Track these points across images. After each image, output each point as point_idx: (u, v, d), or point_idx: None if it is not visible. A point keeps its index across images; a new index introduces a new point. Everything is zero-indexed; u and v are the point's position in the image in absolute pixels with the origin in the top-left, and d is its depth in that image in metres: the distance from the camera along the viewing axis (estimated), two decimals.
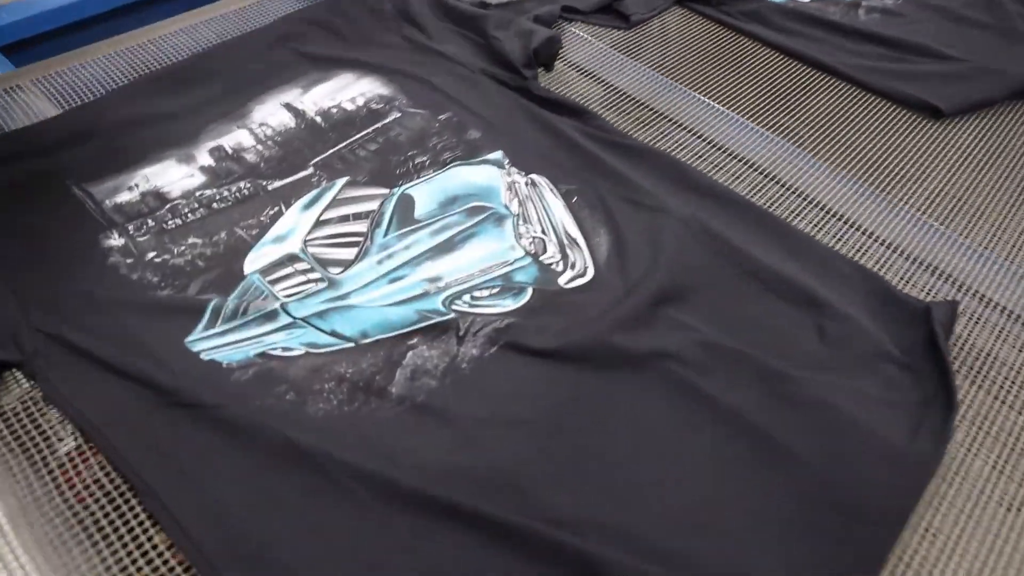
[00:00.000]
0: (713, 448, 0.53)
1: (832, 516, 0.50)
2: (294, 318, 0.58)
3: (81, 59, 0.83)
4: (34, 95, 0.79)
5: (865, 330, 0.62)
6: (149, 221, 0.65)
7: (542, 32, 0.84)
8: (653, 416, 0.55)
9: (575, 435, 0.53)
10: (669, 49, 0.93)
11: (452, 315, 0.59)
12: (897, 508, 0.51)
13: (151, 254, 0.62)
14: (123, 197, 0.67)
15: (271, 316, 0.58)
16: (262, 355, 0.56)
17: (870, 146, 0.81)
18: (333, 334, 0.57)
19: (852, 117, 0.85)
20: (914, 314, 0.62)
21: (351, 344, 0.57)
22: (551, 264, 0.64)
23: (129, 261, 0.62)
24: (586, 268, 0.64)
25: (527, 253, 0.64)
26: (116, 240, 0.63)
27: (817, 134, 0.82)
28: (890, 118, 0.85)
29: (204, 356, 0.55)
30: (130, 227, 0.64)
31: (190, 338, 0.56)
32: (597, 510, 0.49)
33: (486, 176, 0.71)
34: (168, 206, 0.67)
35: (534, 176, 0.72)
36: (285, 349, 0.56)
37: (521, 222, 0.67)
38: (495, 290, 0.62)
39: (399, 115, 0.78)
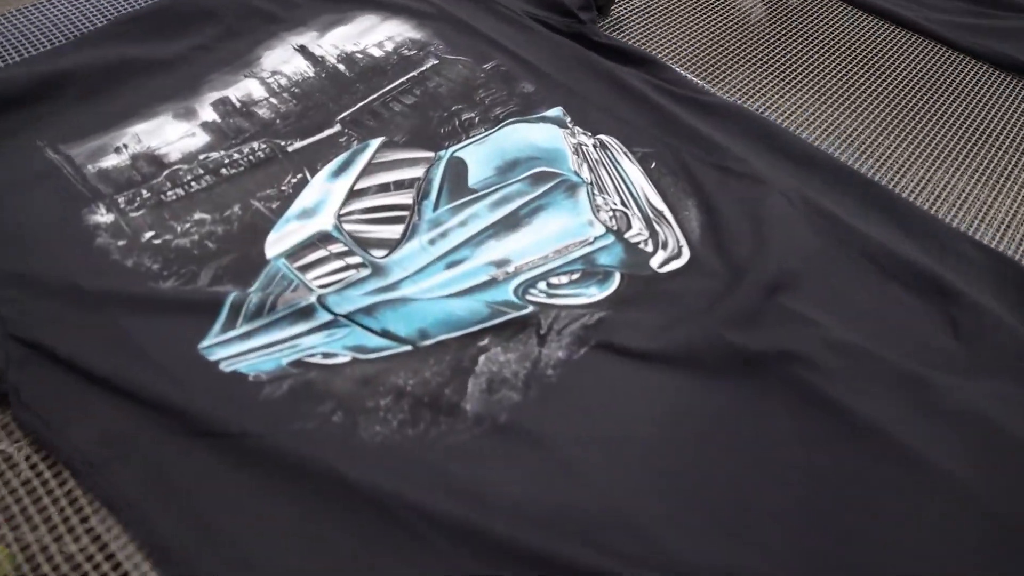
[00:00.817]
0: (858, 473, 0.44)
1: (1019, 559, 0.41)
2: (335, 315, 0.47)
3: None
4: None
5: (1005, 325, 0.52)
6: (143, 191, 0.53)
7: None
8: (783, 432, 0.45)
9: (694, 456, 0.43)
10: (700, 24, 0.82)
11: (530, 308, 0.48)
12: None
13: (148, 234, 0.50)
14: (109, 161, 0.54)
15: (306, 313, 0.47)
16: (297, 363, 0.44)
17: (962, 114, 0.71)
18: (385, 334, 0.46)
19: (940, 80, 0.74)
20: None
21: (408, 347, 0.46)
22: (638, 243, 0.53)
23: (121, 243, 0.49)
24: (680, 248, 0.53)
25: (608, 229, 0.53)
26: (103, 216, 0.51)
27: (898, 102, 0.71)
28: (984, 81, 0.75)
29: (224, 366, 0.44)
30: (120, 199, 0.52)
31: (205, 343, 0.45)
32: (732, 555, 0.40)
33: (548, 136, 0.60)
34: (166, 172, 0.54)
35: (603, 137, 0.61)
36: (326, 355, 0.45)
37: (596, 191, 0.56)
38: (575, 275, 0.51)
39: (436, 62, 0.65)
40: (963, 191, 0.63)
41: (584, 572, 0.37)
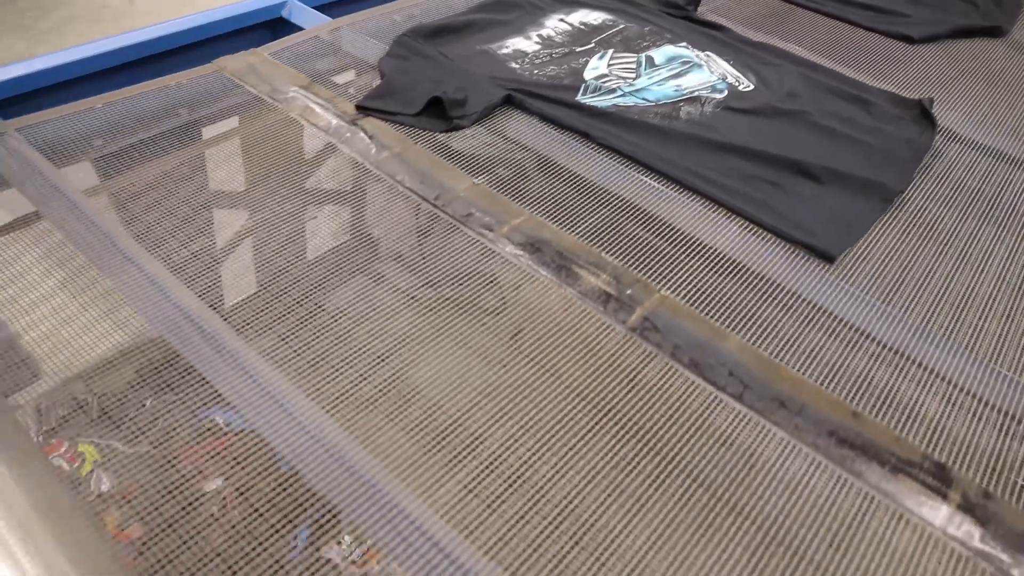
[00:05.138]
0: (822, 144, 1.15)
1: (882, 161, 1.12)
2: (625, 92, 1.18)
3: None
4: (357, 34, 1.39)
5: (890, 110, 1.25)
6: (525, 61, 1.25)
7: None
8: (801, 130, 1.16)
9: (779, 129, 1.14)
10: None
11: (696, 95, 1.20)
12: (914, 159, 1.13)
13: (536, 72, 1.22)
14: (505, 51, 1.27)
15: (614, 90, 1.18)
16: (615, 106, 1.15)
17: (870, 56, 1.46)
18: (645, 100, 1.18)
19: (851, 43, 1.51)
20: (911, 103, 1.26)
21: (654, 103, 1.17)
22: (732, 83, 1.26)
23: (525, 73, 1.21)
24: (749, 85, 1.26)
25: (719, 78, 1.26)
26: (514, 65, 1.23)
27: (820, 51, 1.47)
28: (881, 42, 1.52)
29: (586, 101, 1.15)
30: (518, 62, 1.24)
31: (578, 97, 1.16)
32: (775, 163, 1.09)
33: (684, 51, 1.34)
34: (529, 55, 1.27)
35: (708, 52, 1.35)
36: (627, 104, 1.16)
37: (710, 68, 1.29)
38: (710, 91, 1.23)
39: (623, 26, 1.40)
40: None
41: (747, 153, 1.07)
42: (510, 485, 0.66)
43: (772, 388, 0.74)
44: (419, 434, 0.69)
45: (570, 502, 0.65)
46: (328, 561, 0.61)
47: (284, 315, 0.80)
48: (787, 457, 0.70)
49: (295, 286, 0.84)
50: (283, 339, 0.77)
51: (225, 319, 0.76)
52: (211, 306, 0.77)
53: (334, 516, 0.61)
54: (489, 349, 0.77)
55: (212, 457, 0.66)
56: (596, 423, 0.71)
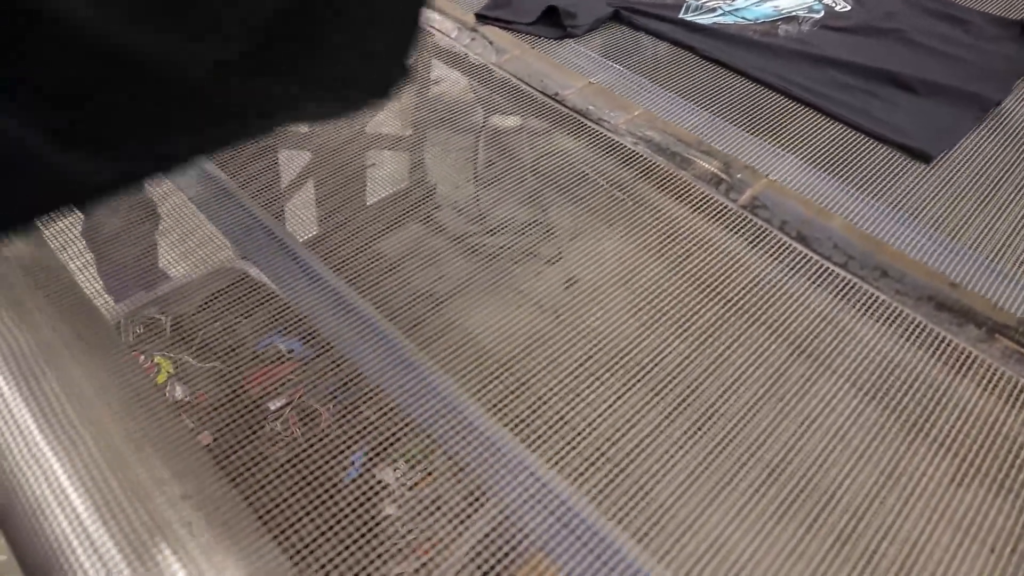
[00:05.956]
0: (919, 59, 1.18)
1: (979, 74, 1.15)
2: (725, 11, 1.24)
3: None
4: None
5: (989, 29, 1.27)
6: None
7: None
8: (898, 47, 1.20)
9: (865, 55, 1.18)
10: None
11: (793, 14, 1.25)
12: (1014, 72, 1.15)
13: None
14: None
15: (713, 9, 1.24)
16: (715, 23, 1.21)
17: None
18: (744, 19, 1.23)
19: None
20: (1011, 23, 1.28)
21: (753, 22, 1.22)
22: (828, 3, 1.30)
23: None
24: (847, 6, 1.30)
25: (816, 0, 1.30)
26: None
27: None
28: None
29: (688, 18, 1.20)
30: None
31: (680, 15, 1.22)
32: (873, 75, 1.14)
33: None
34: None
35: None
36: (725, 22, 1.22)
37: None
38: (807, 11, 1.27)
39: None
40: None
41: (834, 65, 1.12)
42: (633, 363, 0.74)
43: (875, 258, 0.81)
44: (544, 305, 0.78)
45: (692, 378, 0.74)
46: (381, 482, 0.63)
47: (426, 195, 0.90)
48: (887, 319, 0.77)
49: (425, 176, 0.93)
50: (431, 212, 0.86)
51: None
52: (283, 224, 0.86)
53: (390, 442, 0.64)
54: (611, 217, 0.85)
55: (275, 381, 0.70)
56: (704, 296, 0.79)
